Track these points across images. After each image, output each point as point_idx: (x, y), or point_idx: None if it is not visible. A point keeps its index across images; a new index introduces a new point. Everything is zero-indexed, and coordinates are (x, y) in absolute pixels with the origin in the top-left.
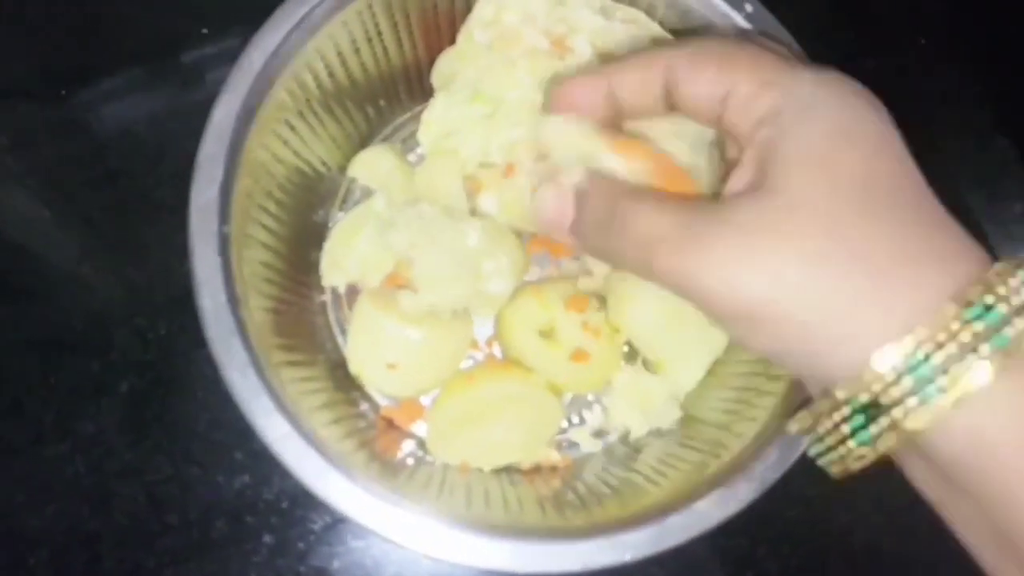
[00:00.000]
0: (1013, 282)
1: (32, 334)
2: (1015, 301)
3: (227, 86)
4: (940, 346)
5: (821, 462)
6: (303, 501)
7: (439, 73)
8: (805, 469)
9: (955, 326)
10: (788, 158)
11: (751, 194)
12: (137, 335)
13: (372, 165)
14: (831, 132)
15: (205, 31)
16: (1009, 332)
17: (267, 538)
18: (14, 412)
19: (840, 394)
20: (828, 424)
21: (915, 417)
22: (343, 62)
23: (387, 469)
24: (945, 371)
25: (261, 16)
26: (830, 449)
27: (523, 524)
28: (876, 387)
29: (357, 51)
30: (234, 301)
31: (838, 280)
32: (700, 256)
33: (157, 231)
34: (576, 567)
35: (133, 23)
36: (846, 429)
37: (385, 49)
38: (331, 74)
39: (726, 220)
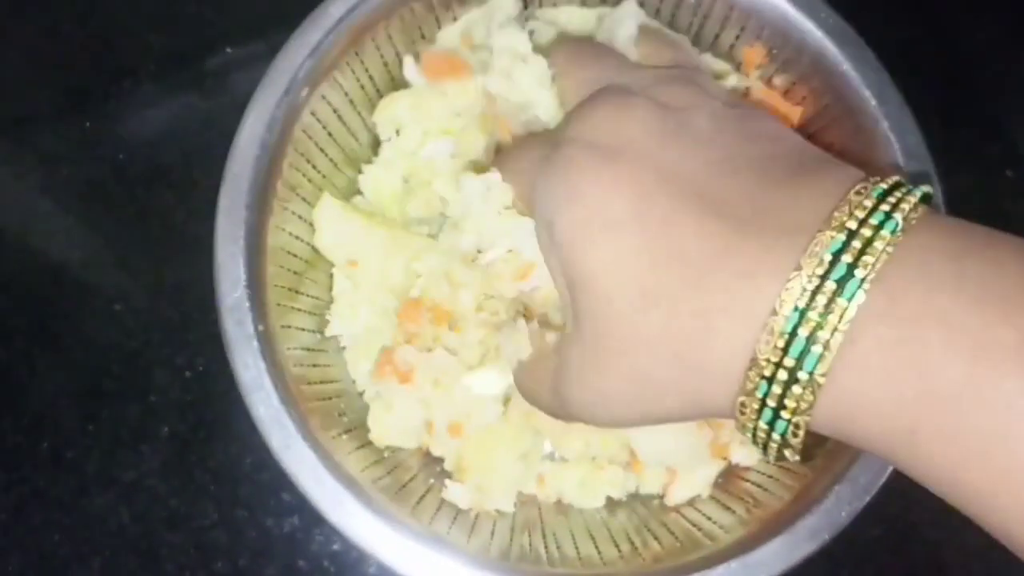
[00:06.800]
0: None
1: (68, 380)
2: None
3: (224, 181)
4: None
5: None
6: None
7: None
8: (886, 486)
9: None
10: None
11: (568, 335)
12: (176, 375)
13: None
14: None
15: (229, 50)
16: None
17: None
18: (54, 463)
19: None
20: (751, 423)
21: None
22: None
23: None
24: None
25: (281, 25)
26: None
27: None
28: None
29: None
30: (289, 403)
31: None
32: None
33: (190, 265)
34: None
35: (152, 38)
36: (763, 425)
37: None
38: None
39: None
